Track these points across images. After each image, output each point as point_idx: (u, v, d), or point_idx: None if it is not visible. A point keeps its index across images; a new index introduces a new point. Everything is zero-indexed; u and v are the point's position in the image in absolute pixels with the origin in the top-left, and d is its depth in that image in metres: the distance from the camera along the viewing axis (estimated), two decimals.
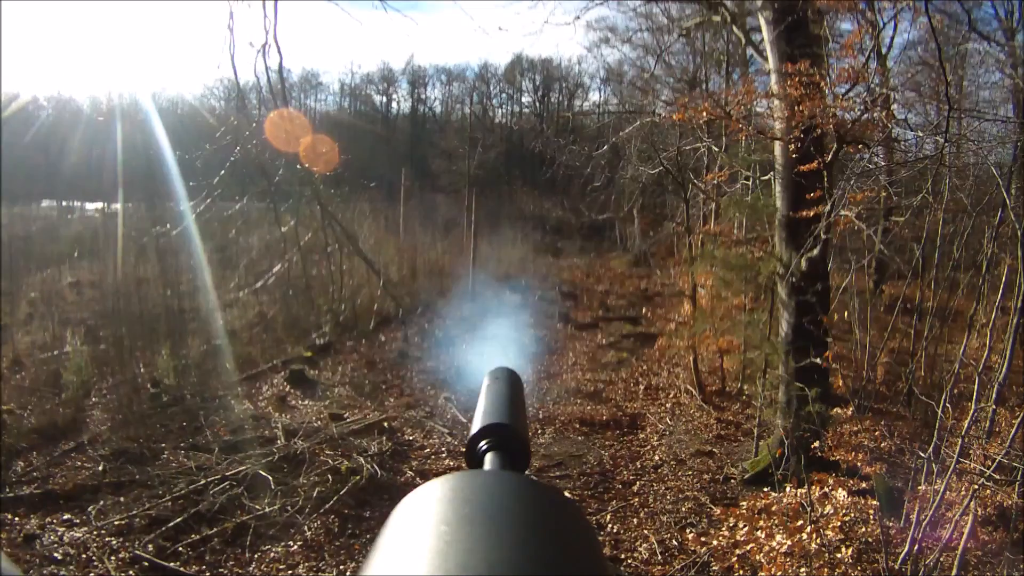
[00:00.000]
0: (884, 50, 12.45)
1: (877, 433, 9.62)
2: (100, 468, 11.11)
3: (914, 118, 13.39)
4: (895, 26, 10.19)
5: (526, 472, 0.86)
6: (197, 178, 10.70)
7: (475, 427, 0.90)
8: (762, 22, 11.73)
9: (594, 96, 60.53)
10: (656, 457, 12.88)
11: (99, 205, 35.56)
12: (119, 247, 19.52)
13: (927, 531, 7.00)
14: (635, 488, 11.61)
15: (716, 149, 18.37)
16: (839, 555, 7.17)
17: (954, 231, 14.39)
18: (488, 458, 0.85)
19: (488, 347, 19.64)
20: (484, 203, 32.88)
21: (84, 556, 8.63)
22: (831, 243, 11.22)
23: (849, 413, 9.94)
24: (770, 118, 11.83)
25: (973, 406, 7.35)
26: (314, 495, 10.36)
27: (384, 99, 66.30)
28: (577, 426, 14.40)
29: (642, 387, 17.07)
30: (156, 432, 12.83)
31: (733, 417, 14.57)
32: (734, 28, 14.03)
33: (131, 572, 8.37)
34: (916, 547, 6.90)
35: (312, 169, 9.50)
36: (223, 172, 9.07)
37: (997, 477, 7.27)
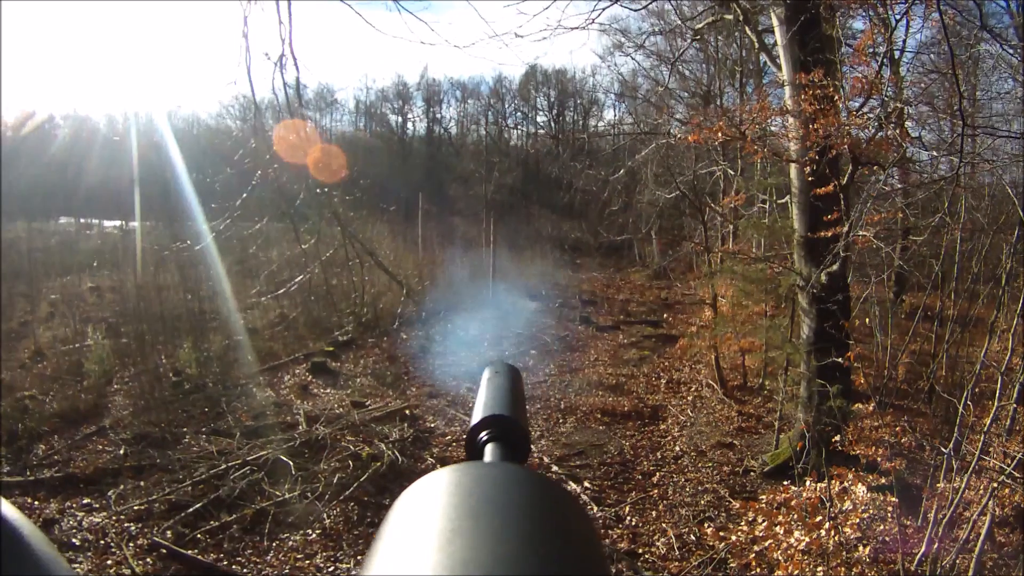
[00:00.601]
0: (897, 54, 12.34)
1: (899, 428, 9.57)
2: (121, 452, 11.20)
3: (928, 135, 13.27)
4: (907, 24, 10.07)
5: (526, 464, 0.87)
6: (217, 199, 10.78)
7: (475, 418, 0.89)
8: (775, 21, 11.67)
9: (608, 114, 60.28)
10: (677, 448, 12.90)
11: (117, 223, 35.84)
12: (138, 258, 19.82)
13: (945, 531, 6.95)
14: (655, 479, 11.61)
15: (732, 172, 18.39)
16: (856, 554, 7.13)
17: (972, 248, 14.32)
18: (488, 449, 0.84)
19: (510, 344, 19.73)
20: (502, 225, 33.05)
21: (102, 542, 8.67)
22: (850, 258, 11.18)
23: (870, 409, 9.88)
24: (785, 138, 11.78)
25: (995, 403, 7.30)
26: (334, 481, 10.40)
27: (399, 119, 65.97)
28: (599, 416, 14.43)
29: (663, 381, 17.07)
30: (178, 417, 12.93)
31: (754, 410, 14.55)
32: (747, 30, 13.94)
33: (149, 559, 8.40)
34: (934, 547, 6.85)
35: (322, 180, 9.53)
36: (244, 195, 9.10)
37: (1017, 475, 7.21)
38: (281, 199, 9.72)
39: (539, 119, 65.02)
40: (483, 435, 0.86)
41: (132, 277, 20.65)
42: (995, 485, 6.55)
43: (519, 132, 65.73)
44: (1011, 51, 12.31)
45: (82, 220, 38.58)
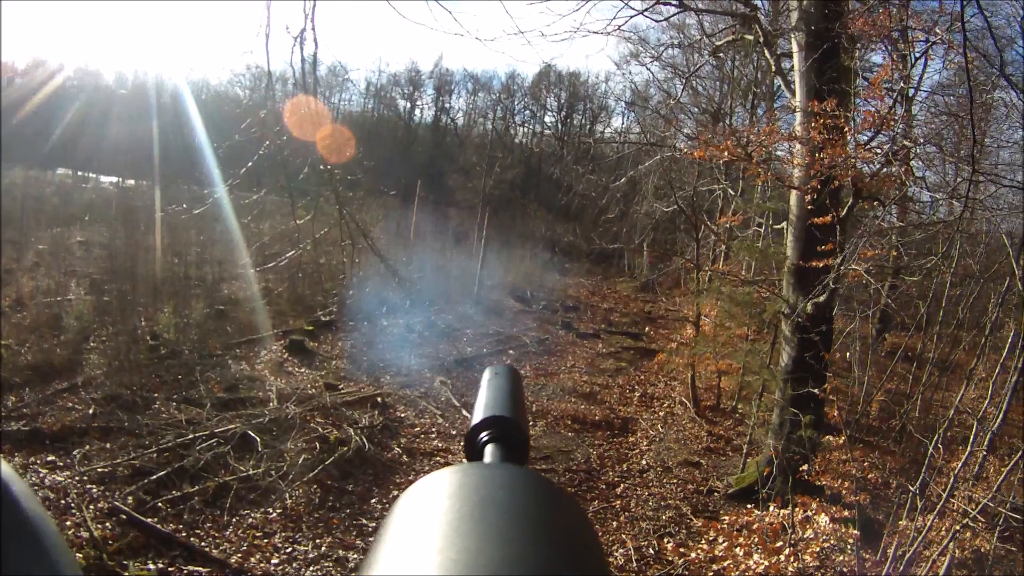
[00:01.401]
0: (911, 92, 12.41)
1: (867, 464, 9.64)
2: (90, 411, 11.12)
3: (932, 176, 13.35)
4: (925, 63, 10.14)
5: (526, 465, 0.84)
6: (220, 165, 10.75)
7: (475, 419, 0.89)
8: (794, 46, 11.69)
9: (617, 122, 60.64)
10: (644, 462, 12.92)
11: (114, 179, 35.70)
12: (157, 217, 19.70)
13: (904, 567, 6.99)
14: (619, 490, 11.65)
15: (732, 193, 18.43)
16: None
17: (960, 293, 14.42)
18: (488, 450, 0.83)
19: (489, 341, 19.73)
20: (497, 220, 32.99)
21: (63, 502, 8.61)
22: (838, 291, 11.23)
23: (840, 442, 9.94)
24: (789, 163, 11.82)
25: (969, 447, 7.36)
26: (299, 462, 10.37)
27: (408, 104, 66.01)
28: (569, 423, 14.45)
29: (637, 394, 17.12)
30: (150, 381, 12.88)
31: (724, 432, 14.60)
32: (765, 52, 13.99)
33: (108, 524, 8.33)
34: None
35: (328, 160, 9.49)
36: (250, 164, 9.05)
37: (980, 519, 7.27)
38: (282, 172, 9.68)
39: (547, 119, 65.24)
40: (483, 436, 0.86)
41: (122, 234, 20.55)
42: (957, 528, 6.58)
43: (525, 130, 65.98)
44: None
45: (79, 173, 38.43)
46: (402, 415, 13.68)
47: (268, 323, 17.77)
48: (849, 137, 9.57)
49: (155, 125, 28.94)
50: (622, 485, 11.86)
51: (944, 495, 6.68)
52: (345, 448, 11.13)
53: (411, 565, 0.48)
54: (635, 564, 9.25)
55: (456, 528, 0.51)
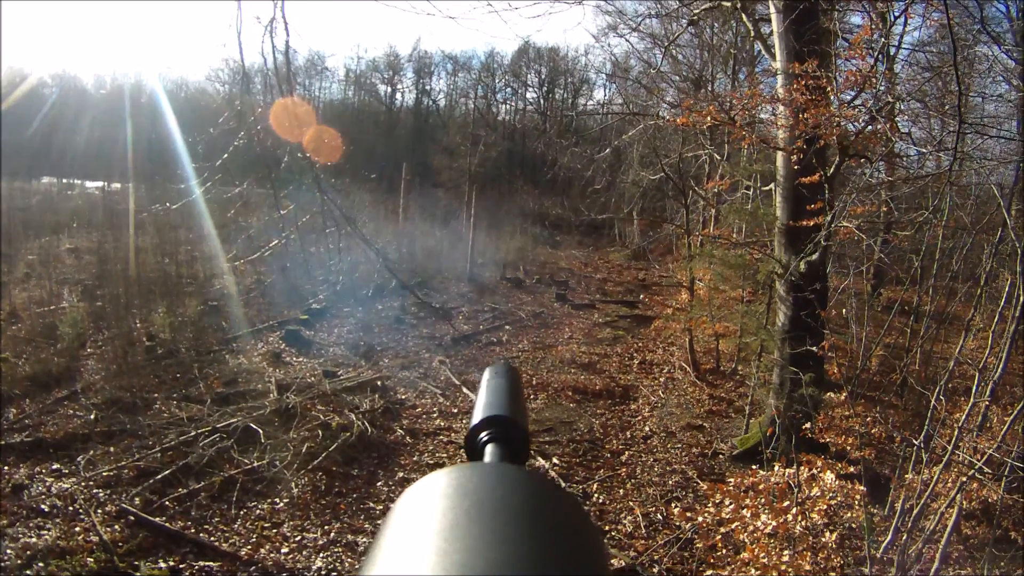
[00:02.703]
0: (892, 50, 12.37)
1: (869, 419, 9.64)
2: (92, 417, 11.11)
3: (917, 132, 13.33)
4: (905, 21, 10.06)
5: (526, 465, 0.87)
6: (199, 161, 10.69)
7: (475, 419, 0.89)
8: (772, 10, 11.63)
9: (598, 94, 60.74)
10: (647, 428, 12.97)
11: (99, 183, 35.57)
12: (131, 219, 19.63)
13: (911, 521, 7.01)
14: (624, 458, 11.70)
15: (718, 157, 18.39)
16: (823, 539, 7.18)
17: (953, 246, 14.43)
18: (488, 450, 0.84)
19: (485, 318, 19.73)
20: (484, 199, 33.08)
21: (71, 508, 8.61)
22: (830, 248, 11.23)
23: (842, 398, 9.97)
24: (773, 126, 11.80)
25: (972, 399, 7.36)
26: (303, 450, 10.40)
27: (389, 89, 65.94)
28: (570, 393, 14.49)
29: (636, 362, 17.17)
30: (149, 382, 12.86)
31: (725, 394, 14.67)
32: (743, 17, 13.94)
33: (116, 526, 8.34)
34: (900, 536, 6.92)
35: (315, 159, 9.44)
36: (226, 156, 8.99)
37: (986, 470, 7.28)
38: (263, 162, 9.63)
39: (528, 96, 65.25)
40: (483, 436, 0.86)
41: (111, 239, 20.51)
42: (964, 479, 6.59)
43: (508, 107, 66.00)
44: (1008, 54, 12.36)
45: (64, 180, 38.31)
46: (403, 397, 13.69)
47: (263, 315, 17.74)
48: (832, 97, 9.53)
49: (129, 127, 28.85)
50: (627, 452, 11.91)
51: (950, 447, 6.69)
52: (348, 434, 11.13)
53: (411, 565, 0.48)
54: (644, 530, 9.29)
55: (456, 528, 0.51)
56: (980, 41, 12.30)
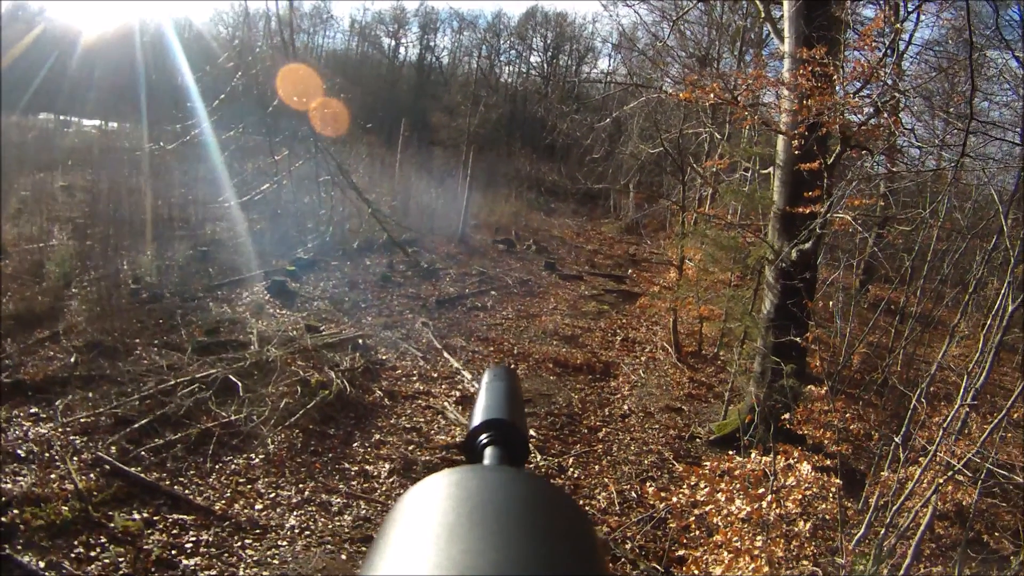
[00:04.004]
0: (903, 45, 12.37)
1: (848, 415, 9.71)
2: (72, 360, 11.06)
3: (920, 130, 13.34)
4: (917, 18, 10.04)
5: (525, 467, 0.85)
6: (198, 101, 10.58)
7: (475, 422, 0.89)
8: None
9: (603, 64, 60.69)
10: (625, 407, 13.05)
11: (96, 122, 35.19)
12: (145, 156, 19.46)
13: (885, 516, 7.07)
14: (601, 435, 11.79)
15: (719, 136, 18.36)
16: (796, 528, 7.24)
17: (946, 249, 14.48)
18: (487, 452, 0.84)
19: (472, 281, 19.71)
20: (481, 160, 33.13)
21: (47, 455, 8.59)
22: (824, 238, 11.25)
23: (822, 392, 10.00)
24: (776, 109, 11.78)
25: (957, 402, 7.40)
26: (281, 406, 10.43)
27: (393, 42, 65.48)
28: (550, 366, 14.56)
29: (619, 339, 17.22)
30: (132, 327, 12.82)
31: (706, 379, 14.74)
32: None
33: (92, 475, 8.33)
34: (873, 531, 6.98)
35: (321, 132, 9.36)
36: (222, 96, 8.90)
37: (966, 472, 7.35)
38: (258, 106, 9.56)
39: (533, 59, 64.98)
40: (482, 438, 0.86)
41: (105, 178, 20.34)
42: (940, 480, 6.66)
43: (511, 70, 65.68)
44: (1018, 60, 12.34)
45: (61, 117, 37.82)
46: (383, 357, 13.72)
47: (250, 263, 17.67)
48: (838, 87, 9.51)
49: (141, 64, 28.43)
50: (604, 429, 11.98)
51: (933, 447, 6.74)
52: (327, 392, 11.15)
53: (411, 566, 0.49)
54: (617, 507, 9.38)
55: (456, 530, 0.52)
56: (992, 45, 12.27)
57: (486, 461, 0.82)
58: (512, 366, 12.57)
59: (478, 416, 0.90)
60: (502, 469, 0.72)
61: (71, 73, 37.01)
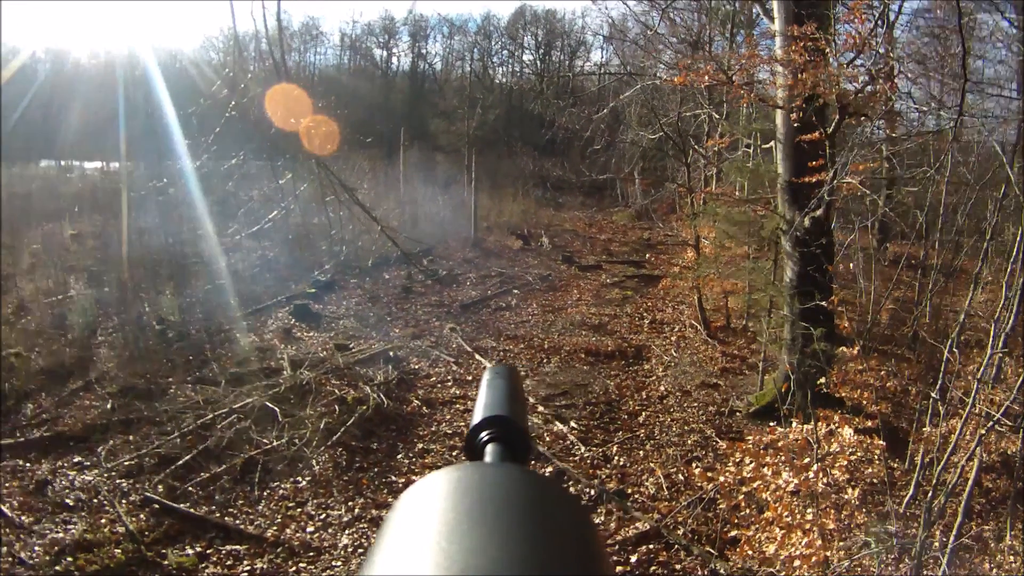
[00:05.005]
0: (892, 16, 12.35)
1: (883, 373, 9.67)
2: (108, 406, 11.10)
3: (917, 92, 13.29)
4: None
5: (527, 464, 0.88)
6: (193, 135, 10.60)
7: (475, 419, 0.89)
8: None
9: (596, 56, 60.40)
10: (661, 388, 13.04)
11: (98, 164, 35.24)
12: (123, 199, 19.50)
13: (934, 476, 7.05)
14: (641, 419, 11.76)
15: (717, 116, 18.32)
16: (845, 496, 7.21)
17: (957, 201, 14.42)
18: (489, 450, 0.84)
19: (493, 283, 19.71)
20: (484, 162, 32.87)
21: (95, 501, 8.64)
22: (834, 204, 11.22)
23: (854, 352, 9.98)
24: (772, 85, 11.76)
25: (988, 350, 7.37)
26: (321, 426, 10.42)
27: (384, 53, 65.32)
28: (583, 356, 14.53)
29: (646, 321, 17.19)
30: (163, 367, 12.86)
31: (738, 351, 14.70)
32: None
33: (142, 515, 8.39)
34: (921, 491, 6.96)
35: (311, 151, 9.35)
36: (217, 129, 8.91)
37: (1005, 422, 7.30)
38: (258, 131, 9.57)
39: (525, 58, 64.85)
40: (484, 435, 0.87)
41: (113, 222, 20.39)
42: (982, 432, 6.61)
43: (504, 70, 65.62)
44: (1009, 22, 12.29)
45: (63, 163, 37.88)
46: (416, 367, 13.72)
47: (271, 291, 17.73)
48: (831, 59, 9.49)
49: (121, 104, 28.39)
50: (643, 413, 11.96)
51: (971, 399, 6.71)
52: (364, 407, 11.18)
53: (412, 564, 0.49)
54: (666, 492, 9.37)
55: (457, 527, 0.52)
56: (981, 9, 12.23)
57: (487, 458, 0.83)
58: (512, 365, 12.63)
59: (479, 413, 0.90)
60: (503, 466, 0.75)
61: (67, 116, 37.13)
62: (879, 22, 10.49)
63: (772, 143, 12.48)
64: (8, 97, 33.14)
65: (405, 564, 0.49)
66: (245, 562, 7.79)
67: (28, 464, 9.43)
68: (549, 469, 9.75)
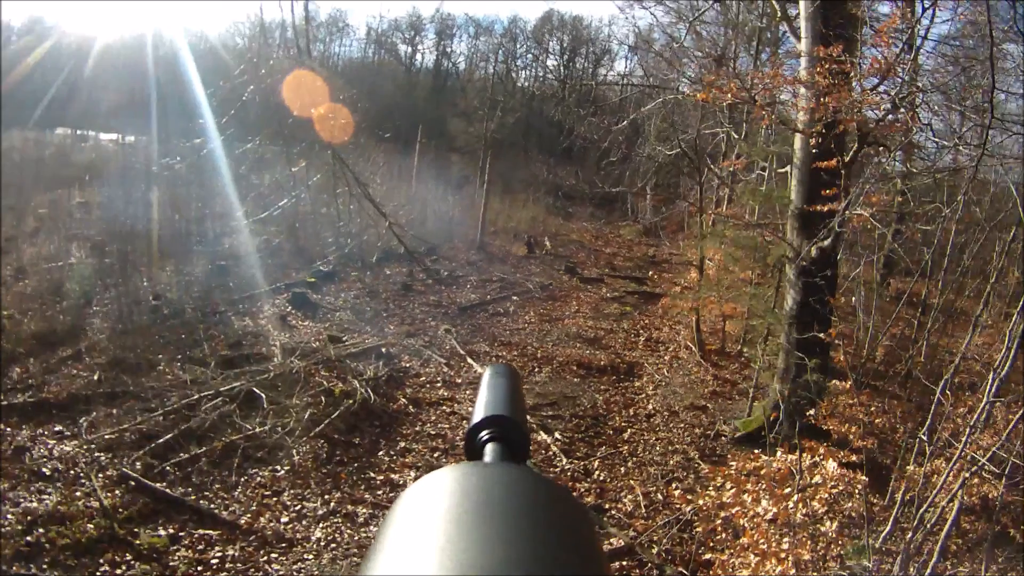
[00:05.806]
0: (919, 41, 12.34)
1: (873, 409, 9.65)
2: (95, 377, 11.11)
3: (938, 124, 13.26)
4: (933, 13, 9.97)
5: (526, 464, 0.86)
6: (215, 116, 10.60)
7: (475, 418, 0.88)
8: None
9: (620, 65, 60.47)
10: (650, 406, 13.05)
11: (114, 136, 35.25)
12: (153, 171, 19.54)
13: (911, 512, 7.01)
14: (626, 435, 11.79)
15: (736, 136, 18.31)
16: (823, 528, 7.19)
17: (965, 241, 14.41)
18: (488, 449, 0.83)
19: (493, 288, 19.71)
20: (498, 165, 32.88)
21: (72, 472, 8.62)
22: (843, 235, 11.21)
23: (846, 387, 9.95)
24: (794, 108, 11.75)
25: (986, 395, 7.33)
26: (305, 417, 10.41)
27: (409, 49, 65.65)
28: (574, 368, 14.55)
29: (642, 339, 17.22)
30: (154, 343, 12.85)
31: (730, 376, 14.71)
32: None
33: (117, 491, 8.37)
34: (899, 528, 6.93)
35: (325, 139, 9.35)
36: (233, 110, 8.93)
37: (991, 467, 7.28)
38: (275, 116, 9.59)
39: (549, 63, 65.07)
40: (483, 435, 0.86)
41: (122, 194, 20.40)
42: (966, 474, 6.58)
43: (527, 74, 65.86)
44: None
45: (78, 132, 37.87)
46: (407, 365, 13.72)
47: (271, 276, 17.71)
48: (855, 83, 9.46)
49: (152, 78, 28.44)
50: (629, 430, 11.97)
51: (958, 442, 6.68)
52: (351, 401, 11.18)
53: (411, 564, 0.48)
54: (644, 510, 9.36)
55: (456, 527, 0.51)
56: (1008, 39, 12.18)
57: (487, 458, 0.82)
58: (512, 365, 12.61)
59: (479, 413, 0.89)
60: (503, 466, 0.73)
61: (85, 85, 37.11)
62: (905, 46, 10.48)
63: (788, 167, 12.48)
64: (40, 68, 33.24)
65: (405, 564, 0.49)
66: (217, 548, 7.77)
67: (8, 429, 9.42)
68: None
